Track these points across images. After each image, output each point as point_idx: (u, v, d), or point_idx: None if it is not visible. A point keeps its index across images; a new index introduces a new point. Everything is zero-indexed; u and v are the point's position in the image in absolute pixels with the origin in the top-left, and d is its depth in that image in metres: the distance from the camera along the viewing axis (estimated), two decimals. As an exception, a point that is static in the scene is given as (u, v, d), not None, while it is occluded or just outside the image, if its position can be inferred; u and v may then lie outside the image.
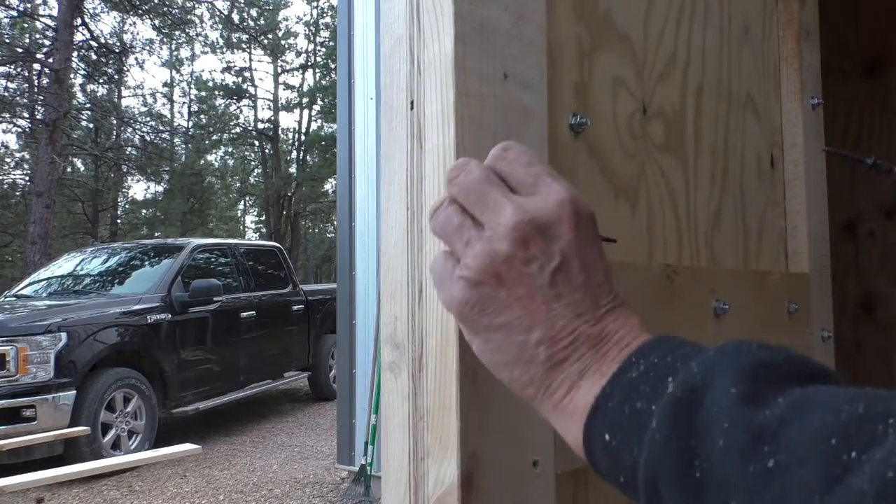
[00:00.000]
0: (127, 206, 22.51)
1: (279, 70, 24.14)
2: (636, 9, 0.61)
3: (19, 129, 16.70)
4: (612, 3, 0.57)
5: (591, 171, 0.54)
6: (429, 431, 0.40)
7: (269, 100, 24.39)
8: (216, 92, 23.58)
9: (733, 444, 0.23)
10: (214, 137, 23.62)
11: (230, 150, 24.79)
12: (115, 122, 17.93)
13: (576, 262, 0.32)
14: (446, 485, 0.39)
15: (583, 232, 0.33)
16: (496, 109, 0.42)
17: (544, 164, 0.35)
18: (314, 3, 23.40)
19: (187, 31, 20.10)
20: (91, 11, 15.03)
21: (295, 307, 6.26)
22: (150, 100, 22.29)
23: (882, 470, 0.19)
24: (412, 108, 0.42)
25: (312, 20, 23.78)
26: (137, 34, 24.46)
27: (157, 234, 20.47)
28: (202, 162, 23.18)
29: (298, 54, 24.40)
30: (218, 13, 20.27)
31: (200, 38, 22.21)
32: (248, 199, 26.29)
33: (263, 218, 25.60)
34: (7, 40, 14.01)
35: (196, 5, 18.62)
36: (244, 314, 5.56)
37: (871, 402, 0.22)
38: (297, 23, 31.68)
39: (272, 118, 24.04)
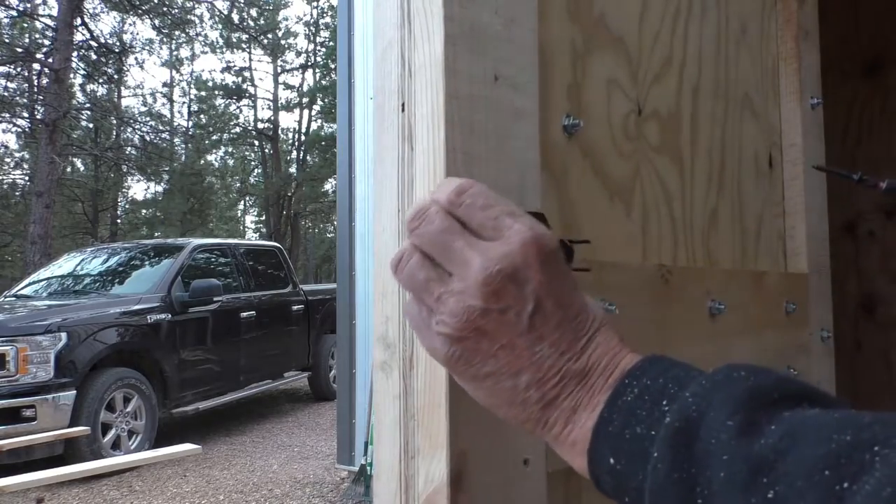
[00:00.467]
0: (127, 206, 22.52)
1: (279, 70, 24.15)
2: (631, 10, 0.61)
3: (19, 129, 16.71)
4: (607, 6, 0.57)
5: (585, 172, 0.54)
6: (419, 430, 0.41)
7: (268, 100, 24.41)
8: (216, 92, 23.59)
9: (735, 476, 0.25)
10: (214, 137, 23.62)
11: (230, 150, 24.80)
12: (114, 121, 17.93)
13: (550, 301, 0.33)
14: (436, 483, 0.39)
15: (551, 269, 0.33)
16: (487, 111, 0.42)
17: (502, 203, 0.35)
18: (314, 3, 23.40)
19: (187, 30, 20.10)
20: (91, 11, 15.05)
21: (295, 307, 6.26)
22: (149, 100, 22.31)
23: (874, 502, 0.21)
24: (403, 110, 0.42)
25: (312, 20, 23.79)
26: (137, 34, 24.49)
27: (157, 234, 20.48)
28: (202, 162, 23.18)
29: (298, 54, 24.41)
30: (218, 13, 20.28)
31: (200, 38, 22.22)
32: (248, 199, 26.30)
33: (263, 218, 25.60)
34: (7, 40, 14.01)
35: (196, 5, 18.63)
36: (244, 314, 5.57)
37: (856, 430, 0.23)
38: (297, 23, 31.71)
39: (272, 118, 24.05)
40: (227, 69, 23.49)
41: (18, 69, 14.64)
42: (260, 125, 24.24)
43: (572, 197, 0.53)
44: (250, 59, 24.00)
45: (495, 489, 0.41)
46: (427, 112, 0.41)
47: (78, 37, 13.89)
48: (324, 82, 23.00)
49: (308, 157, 23.71)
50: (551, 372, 0.32)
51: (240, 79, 23.63)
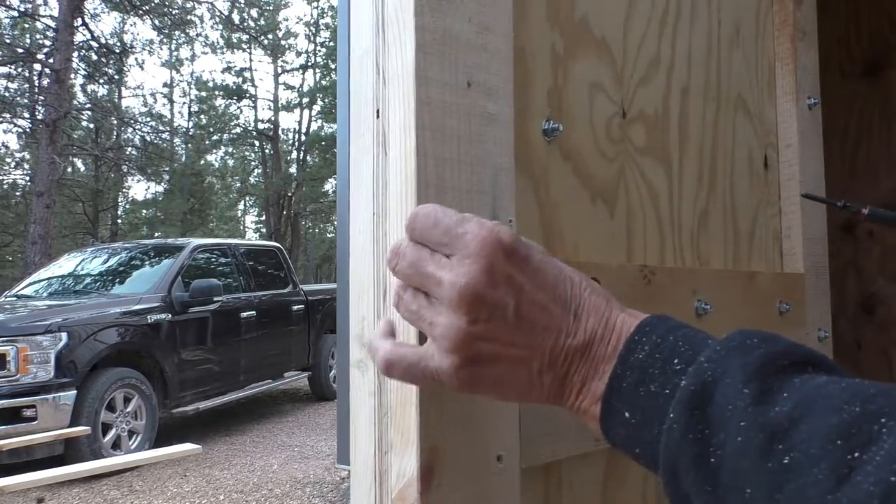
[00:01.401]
0: (127, 206, 22.54)
1: (279, 70, 24.15)
2: (615, 14, 0.61)
3: (20, 130, 16.73)
4: (590, 10, 0.58)
5: (566, 175, 0.54)
6: (392, 426, 0.42)
7: (269, 100, 24.41)
8: (216, 92, 23.59)
9: (752, 441, 0.26)
10: (214, 137, 23.64)
11: (230, 150, 24.81)
12: (115, 122, 17.94)
13: (528, 289, 0.34)
14: (406, 478, 0.40)
15: (517, 257, 0.34)
16: (459, 117, 0.43)
17: (449, 214, 0.36)
18: (314, 4, 23.41)
19: (187, 31, 20.11)
20: (91, 12, 15.07)
21: (295, 307, 6.26)
22: (150, 100, 22.33)
23: (885, 474, 0.22)
24: (378, 116, 0.43)
25: (312, 20, 23.80)
26: (138, 34, 24.53)
27: (157, 234, 20.51)
28: (202, 162, 23.20)
29: (298, 54, 24.41)
30: (218, 13, 20.26)
31: (200, 39, 22.23)
32: (248, 199, 26.32)
33: (263, 218, 25.60)
34: (8, 41, 14.02)
35: (196, 5, 18.63)
36: (244, 314, 5.57)
37: (864, 402, 0.25)
38: (297, 23, 31.75)
39: (272, 118, 24.05)
40: (228, 70, 23.50)
41: (19, 69, 14.67)
42: (260, 125, 24.25)
43: (553, 199, 0.53)
44: (251, 60, 24.03)
45: (467, 485, 0.42)
46: (400, 118, 0.42)
47: (78, 37, 13.90)
48: (324, 82, 23.01)
49: (308, 157, 23.72)
50: (556, 352, 0.34)
51: (240, 79, 23.64)
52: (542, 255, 0.36)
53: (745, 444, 0.26)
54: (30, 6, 14.97)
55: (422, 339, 0.39)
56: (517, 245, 0.34)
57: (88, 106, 16.99)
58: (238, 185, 25.29)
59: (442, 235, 0.35)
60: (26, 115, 15.41)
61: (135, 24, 18.47)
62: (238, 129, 24.15)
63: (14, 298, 5.34)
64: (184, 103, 24.40)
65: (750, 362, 0.28)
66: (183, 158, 21.98)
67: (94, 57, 15.65)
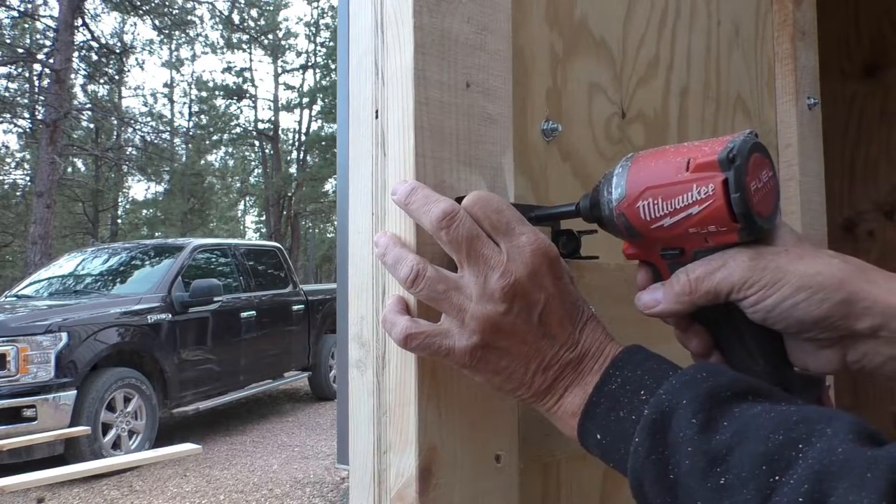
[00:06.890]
0: (127, 207, 22.57)
1: (279, 70, 24.16)
2: (614, 15, 0.61)
3: (20, 130, 16.74)
4: (589, 10, 0.58)
5: (564, 175, 0.55)
6: (391, 426, 0.42)
7: (269, 100, 24.43)
8: (216, 92, 23.61)
9: (696, 464, 0.31)
10: (215, 138, 23.65)
11: (230, 150, 24.83)
12: (115, 122, 17.94)
13: (555, 301, 0.39)
14: (405, 477, 0.40)
15: (556, 272, 0.39)
16: (458, 117, 0.43)
17: (511, 207, 0.40)
18: (314, 4, 23.43)
19: (187, 31, 20.12)
20: (92, 12, 15.07)
21: (295, 307, 6.26)
22: (150, 100, 22.36)
23: (795, 495, 0.28)
24: (377, 117, 0.43)
25: (313, 20, 23.82)
26: (138, 34, 24.57)
27: (157, 234, 20.53)
28: (202, 162, 23.21)
29: (299, 55, 24.43)
30: (218, 13, 20.28)
31: (201, 39, 22.25)
32: (248, 199, 26.34)
33: (263, 218, 25.62)
34: (8, 41, 14.04)
35: (196, 5, 18.64)
36: (244, 314, 5.57)
37: (786, 430, 0.30)
38: (297, 23, 31.76)
39: (272, 118, 24.06)
40: (228, 70, 23.52)
41: (19, 70, 14.68)
42: (260, 125, 24.26)
43: (552, 199, 0.53)
44: (251, 60, 24.06)
45: (465, 484, 0.42)
46: (398, 119, 0.42)
47: (79, 37, 13.92)
48: (324, 82, 23.04)
49: (308, 157, 23.74)
50: (553, 361, 0.39)
51: (240, 79, 23.66)
52: (570, 278, 0.40)
53: (692, 466, 0.31)
54: (30, 6, 14.98)
55: (428, 317, 0.40)
56: (558, 262, 0.39)
57: (88, 106, 16.98)
58: (238, 185, 25.31)
59: (502, 224, 0.38)
60: (26, 115, 15.42)
61: (135, 24, 18.50)
62: (238, 129, 24.16)
63: (14, 298, 5.34)
64: (184, 103, 24.43)
65: (698, 395, 0.33)
66: (183, 158, 21.98)
67: (95, 57, 15.66)
